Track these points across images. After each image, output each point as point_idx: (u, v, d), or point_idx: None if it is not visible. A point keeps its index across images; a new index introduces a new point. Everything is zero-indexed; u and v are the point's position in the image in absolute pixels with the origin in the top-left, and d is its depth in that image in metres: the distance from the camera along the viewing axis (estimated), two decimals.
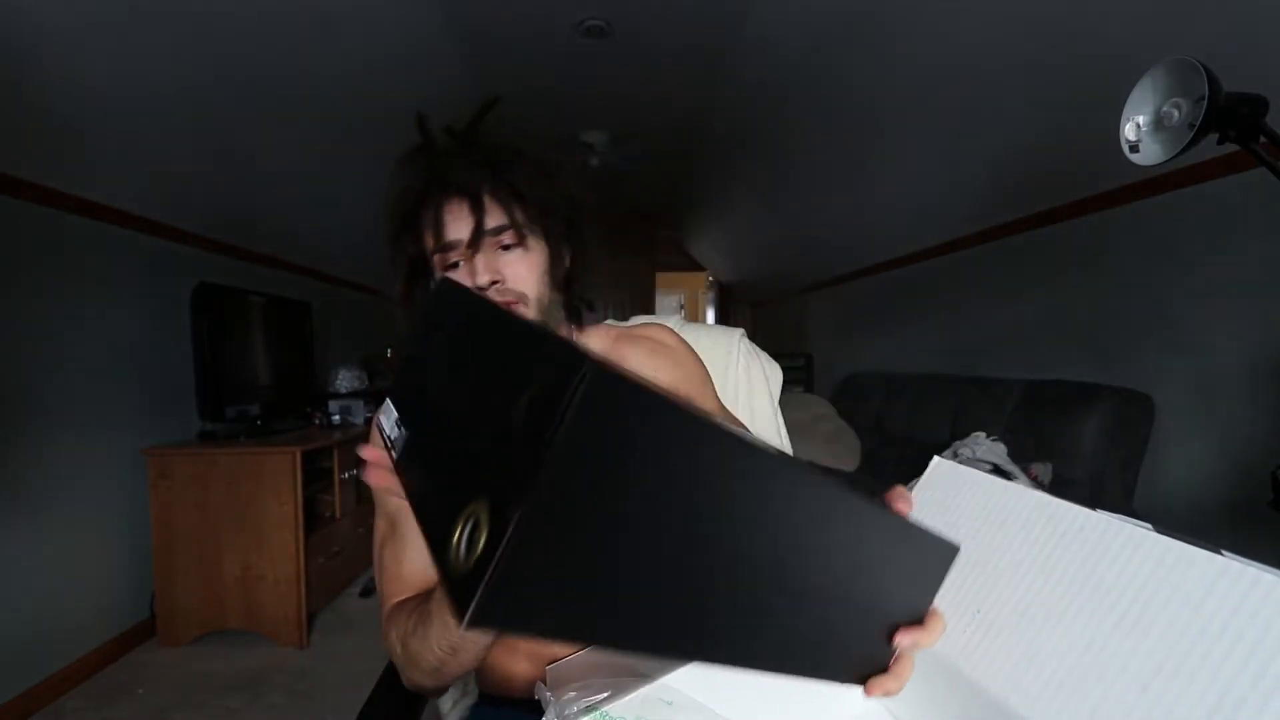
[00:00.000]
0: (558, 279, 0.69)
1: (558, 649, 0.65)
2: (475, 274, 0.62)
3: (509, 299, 0.63)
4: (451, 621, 0.48)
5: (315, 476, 2.43)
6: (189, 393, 2.32)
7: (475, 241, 0.62)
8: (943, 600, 0.41)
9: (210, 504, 2.17)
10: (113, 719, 1.78)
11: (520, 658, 0.68)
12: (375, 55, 2.30)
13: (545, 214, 0.66)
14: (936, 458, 0.52)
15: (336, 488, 2.57)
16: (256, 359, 2.65)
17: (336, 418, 3.01)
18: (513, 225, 0.64)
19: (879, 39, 2.12)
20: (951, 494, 0.48)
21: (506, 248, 0.64)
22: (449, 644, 0.52)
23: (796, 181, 3.57)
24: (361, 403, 3.16)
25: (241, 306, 2.56)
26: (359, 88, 2.44)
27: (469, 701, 0.76)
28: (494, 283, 0.63)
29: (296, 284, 3.34)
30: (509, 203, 0.64)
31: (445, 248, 0.64)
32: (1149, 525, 0.39)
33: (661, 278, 7.41)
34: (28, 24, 1.52)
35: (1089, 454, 1.83)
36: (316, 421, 2.92)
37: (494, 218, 0.63)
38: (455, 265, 0.65)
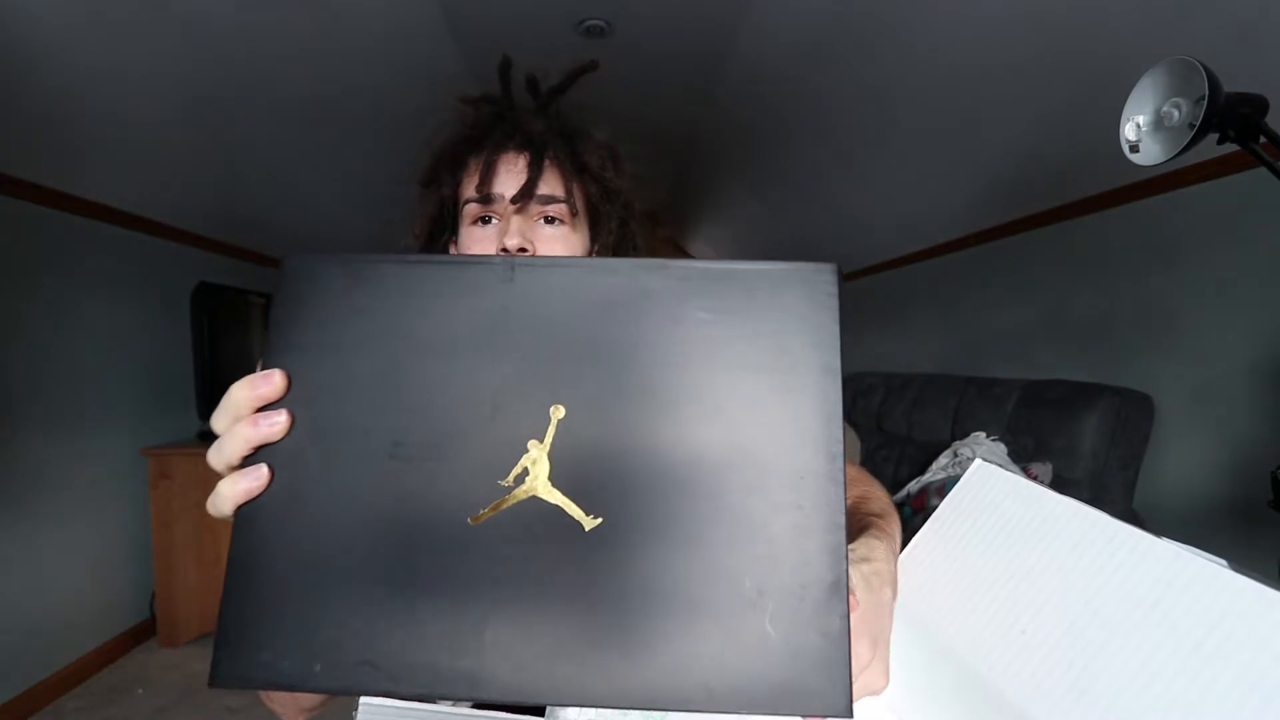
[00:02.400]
0: None
1: None
2: (506, 234, 0.55)
3: None
4: None
5: None
6: (189, 393, 2.32)
7: (521, 199, 0.56)
8: (984, 612, 0.36)
9: None
10: (112, 719, 1.78)
11: None
12: (375, 55, 2.30)
13: (603, 203, 0.61)
14: (979, 460, 0.47)
15: None
16: (256, 359, 2.64)
17: None
18: (566, 199, 0.57)
19: (879, 39, 2.12)
20: (993, 501, 0.43)
21: (549, 221, 0.58)
22: (280, 706, 0.46)
23: (796, 181, 3.56)
24: None
25: (241, 306, 2.56)
26: (358, 87, 2.44)
27: (467, 704, 0.76)
28: (522, 250, 0.55)
29: None
30: (570, 175, 0.58)
31: (487, 199, 0.57)
32: (1223, 561, 0.35)
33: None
34: (28, 24, 1.52)
35: (1089, 454, 1.83)
36: None
37: (549, 185, 0.57)
38: (487, 221, 0.58)
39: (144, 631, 2.22)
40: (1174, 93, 0.76)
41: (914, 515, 1.87)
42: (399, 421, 0.31)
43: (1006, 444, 1.97)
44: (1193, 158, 0.81)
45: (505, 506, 0.30)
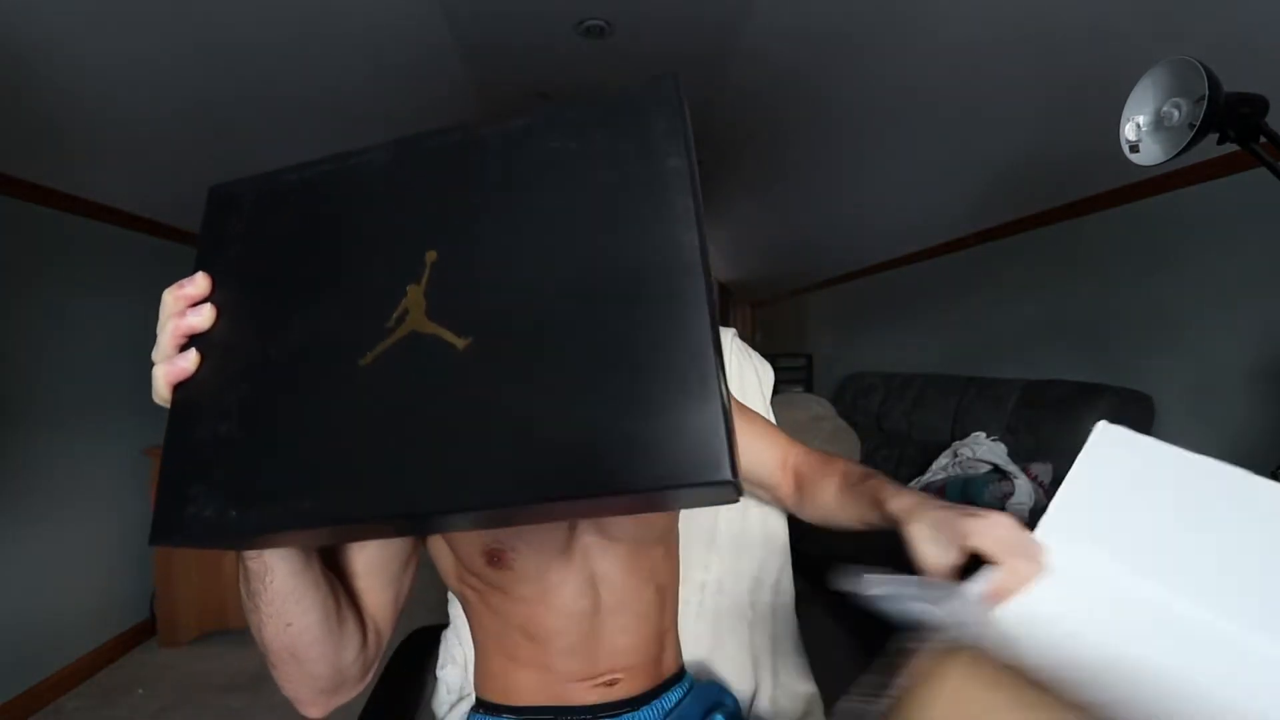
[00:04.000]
0: None
1: (554, 651, 0.65)
2: None
3: None
4: (242, 564, 0.45)
5: None
6: None
7: None
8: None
9: None
10: (113, 719, 1.78)
11: (525, 668, 0.67)
12: (374, 54, 2.30)
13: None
14: (1103, 423, 0.46)
15: None
16: None
17: None
18: None
19: (881, 40, 2.12)
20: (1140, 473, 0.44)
21: None
22: (248, 592, 0.47)
23: (796, 181, 3.56)
24: None
25: None
26: (358, 86, 2.44)
27: (465, 706, 0.76)
28: None
29: None
30: None
31: None
32: None
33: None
34: (28, 24, 1.52)
35: None
36: None
37: None
38: None
39: (144, 631, 2.22)
40: (1174, 93, 0.76)
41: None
42: (297, 292, 0.36)
43: (1006, 444, 1.97)
44: (1193, 158, 0.81)
45: (389, 343, 0.33)
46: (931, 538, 0.47)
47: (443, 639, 0.83)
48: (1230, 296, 1.66)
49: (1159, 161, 0.77)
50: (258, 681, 1.96)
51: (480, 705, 0.70)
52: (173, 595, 2.18)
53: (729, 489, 0.28)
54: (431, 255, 0.34)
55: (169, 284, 0.37)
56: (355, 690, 0.57)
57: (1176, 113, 0.75)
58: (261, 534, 0.33)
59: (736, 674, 0.82)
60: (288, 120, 2.43)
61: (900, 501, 0.53)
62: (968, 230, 2.69)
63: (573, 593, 0.64)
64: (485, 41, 2.41)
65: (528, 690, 0.67)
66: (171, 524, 0.34)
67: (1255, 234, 1.59)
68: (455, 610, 0.83)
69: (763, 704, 0.79)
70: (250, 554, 0.44)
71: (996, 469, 1.87)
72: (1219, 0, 1.38)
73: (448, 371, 0.32)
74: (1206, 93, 0.71)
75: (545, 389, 0.30)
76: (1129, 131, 0.81)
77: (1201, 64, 0.72)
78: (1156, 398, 1.83)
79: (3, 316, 1.75)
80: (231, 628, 2.20)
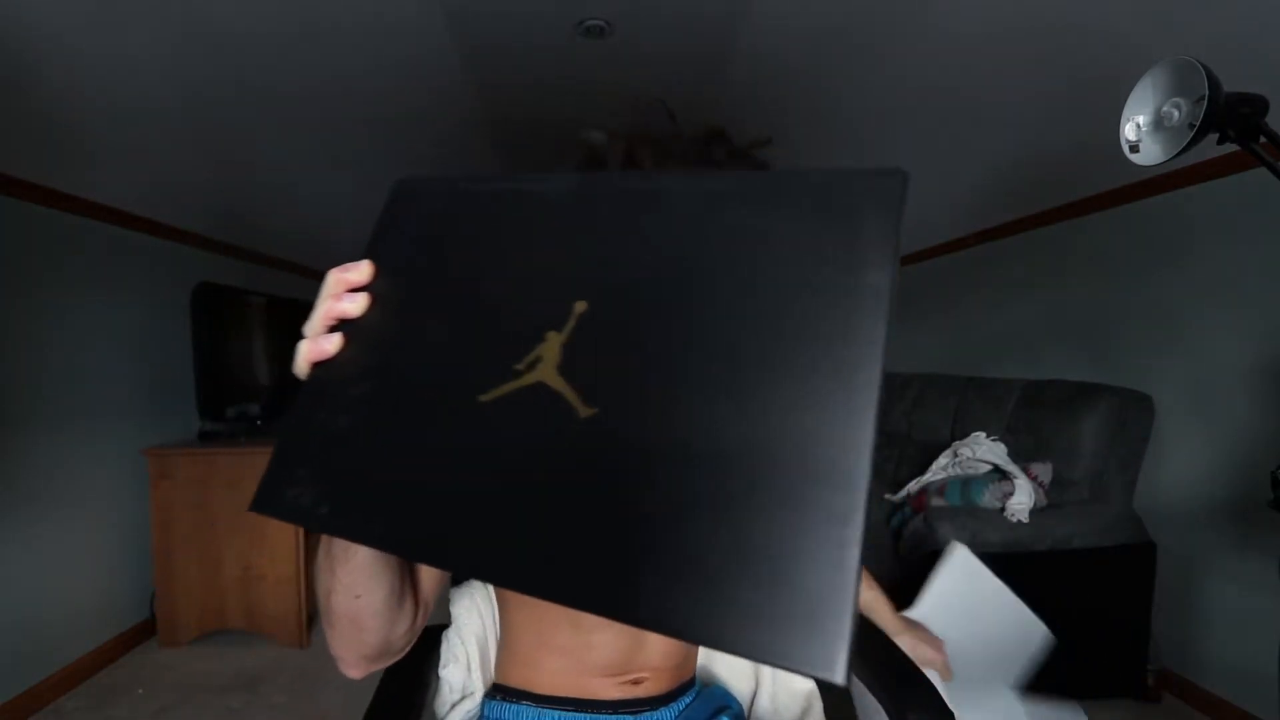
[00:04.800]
0: None
1: (595, 645, 0.65)
2: None
3: None
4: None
5: None
6: (189, 393, 2.32)
7: None
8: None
9: (210, 504, 2.17)
10: (113, 719, 1.78)
11: (558, 655, 0.67)
12: (374, 54, 2.30)
13: None
14: (959, 548, 0.73)
15: None
16: (256, 359, 2.65)
17: None
18: None
19: (879, 39, 2.12)
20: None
21: None
22: (328, 556, 0.47)
23: None
24: None
25: (241, 306, 2.56)
26: (358, 86, 2.44)
27: (469, 705, 0.76)
28: None
29: (296, 284, 3.34)
30: None
31: None
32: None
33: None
34: (28, 24, 1.52)
35: (1089, 454, 1.83)
36: None
37: None
38: None
39: (144, 631, 2.22)
40: (1174, 93, 0.76)
41: (914, 515, 1.87)
42: (446, 311, 0.35)
43: (1006, 444, 1.97)
44: (1193, 158, 0.81)
45: (514, 388, 0.31)
46: (911, 648, 0.82)
47: (444, 638, 0.84)
48: (1230, 296, 1.66)
49: (1159, 161, 0.77)
50: (258, 681, 1.96)
51: (497, 691, 0.70)
52: (173, 595, 2.18)
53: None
54: (581, 306, 0.32)
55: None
56: (394, 660, 0.59)
57: (1176, 113, 0.75)
58: (344, 536, 0.34)
59: (738, 673, 0.82)
60: (288, 120, 2.43)
61: (888, 624, 0.87)
62: (968, 230, 2.69)
63: None
64: (485, 41, 2.41)
65: (553, 678, 0.67)
66: (272, 498, 0.34)
67: (1255, 234, 1.59)
68: (457, 610, 0.84)
69: (764, 702, 0.80)
70: None
71: (996, 469, 1.87)
72: (1219, 0, 1.38)
73: (563, 439, 0.29)
74: (1206, 93, 0.71)
75: (660, 502, 0.26)
76: (1129, 131, 0.81)
77: (1201, 64, 0.72)
78: (1156, 397, 1.83)
79: (3, 316, 1.75)
80: (231, 628, 2.20)
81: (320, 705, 1.83)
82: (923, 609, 1.36)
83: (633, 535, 0.26)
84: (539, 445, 0.29)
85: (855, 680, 1.38)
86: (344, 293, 0.38)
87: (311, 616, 2.28)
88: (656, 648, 0.67)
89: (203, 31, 1.85)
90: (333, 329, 0.38)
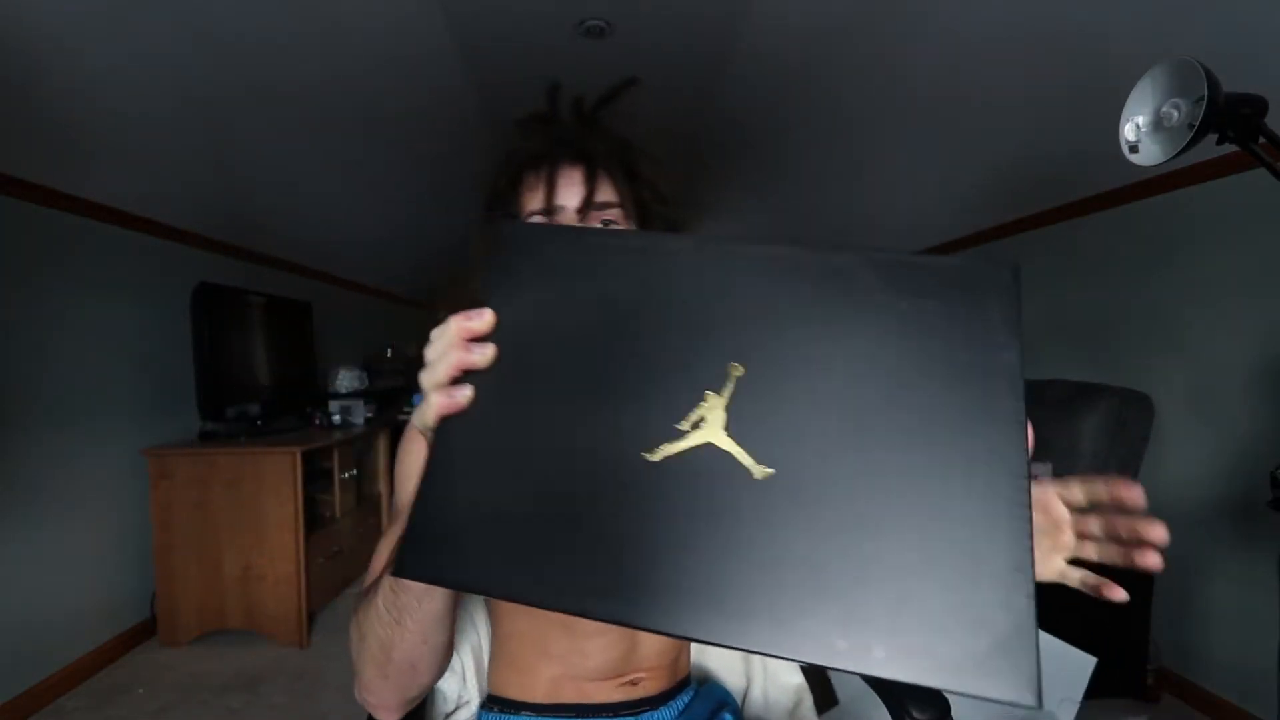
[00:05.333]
0: None
1: (590, 651, 0.65)
2: None
3: None
4: (394, 580, 0.45)
5: (315, 476, 2.43)
6: (189, 393, 2.32)
7: (584, 210, 0.61)
8: None
9: (210, 504, 2.17)
10: (113, 719, 1.78)
11: (554, 663, 0.66)
12: (374, 55, 2.30)
13: (652, 205, 0.66)
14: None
15: (336, 488, 2.57)
16: (256, 359, 2.65)
17: (336, 418, 3.00)
18: (622, 205, 0.63)
19: (879, 39, 2.12)
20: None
21: (606, 225, 0.63)
22: (395, 605, 0.47)
23: (796, 181, 3.56)
24: (361, 403, 3.16)
25: (241, 306, 2.56)
26: (358, 87, 2.44)
27: (463, 715, 0.75)
28: None
29: (296, 284, 3.34)
30: (623, 183, 0.63)
31: (549, 211, 0.62)
32: None
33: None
34: (28, 24, 1.52)
35: (1089, 453, 1.83)
36: (316, 421, 2.91)
37: (605, 193, 0.62)
38: None
39: (144, 631, 2.22)
40: (1173, 93, 0.76)
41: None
42: (591, 367, 0.35)
43: None
44: (1192, 158, 0.81)
45: (683, 448, 0.31)
46: None
47: None
48: (1230, 296, 1.66)
49: (1158, 162, 0.77)
50: (257, 681, 1.96)
51: (493, 703, 0.70)
52: (173, 595, 2.18)
53: (1030, 710, 0.26)
54: (738, 369, 0.33)
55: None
56: (419, 701, 0.59)
57: (1176, 113, 0.75)
58: (518, 600, 0.31)
59: (730, 669, 0.82)
60: (288, 120, 2.43)
61: None
62: (968, 230, 2.69)
63: None
64: (485, 41, 2.41)
65: (550, 686, 0.67)
66: (425, 563, 0.32)
67: (1255, 234, 1.59)
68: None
69: (755, 697, 0.80)
70: None
71: None
72: (1219, 0, 1.38)
73: (740, 498, 0.30)
74: (1206, 93, 0.71)
75: (849, 564, 0.28)
76: (1128, 132, 0.81)
77: (1201, 64, 0.72)
78: (1156, 397, 1.83)
79: (2, 316, 1.75)
80: (231, 628, 2.20)
81: (320, 705, 1.83)
82: None
83: (836, 584, 0.28)
84: (716, 504, 0.30)
85: (852, 682, 1.40)
86: (468, 342, 0.37)
87: (311, 616, 2.28)
88: (651, 647, 0.67)
89: (202, 32, 1.85)
90: (457, 380, 0.36)
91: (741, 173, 3.98)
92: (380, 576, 0.51)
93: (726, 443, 0.31)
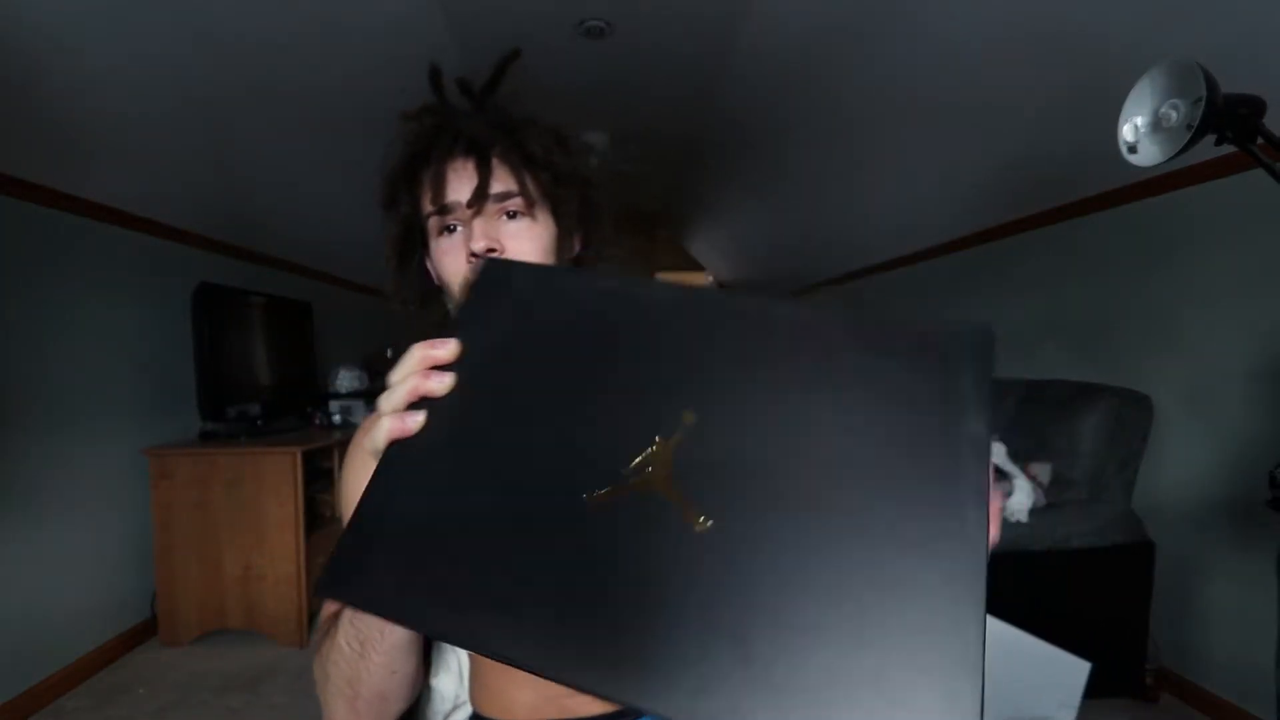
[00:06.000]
0: (563, 260, 0.61)
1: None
2: (472, 239, 0.57)
3: None
4: (353, 613, 0.43)
5: (315, 476, 2.43)
6: (189, 393, 2.32)
7: (476, 203, 0.57)
8: None
9: (211, 504, 2.17)
10: (113, 718, 1.78)
11: (521, 684, 0.65)
12: (374, 55, 2.30)
13: (558, 187, 0.61)
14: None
15: (336, 488, 2.57)
16: (257, 359, 2.65)
17: (337, 418, 3.00)
18: (521, 193, 0.58)
19: (879, 39, 2.12)
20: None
21: (511, 216, 0.59)
22: (356, 638, 0.46)
23: (796, 181, 3.56)
24: (362, 403, 3.16)
25: (241, 306, 2.56)
26: (358, 87, 2.44)
27: (460, 716, 0.74)
28: (490, 250, 0.56)
29: (296, 284, 3.34)
30: (519, 168, 0.59)
31: (443, 209, 0.58)
32: None
33: (661, 278, 7.40)
34: (28, 24, 1.52)
35: (1088, 454, 1.83)
36: (317, 421, 2.92)
37: (501, 182, 0.58)
38: (452, 230, 0.59)
39: (145, 631, 2.22)
40: (1172, 94, 0.76)
41: None
42: (543, 405, 0.34)
43: (1006, 444, 1.97)
44: (1191, 159, 0.81)
45: (622, 494, 0.30)
46: None
47: (435, 646, 0.82)
48: (1228, 297, 1.66)
49: (1157, 163, 0.77)
50: (257, 681, 1.96)
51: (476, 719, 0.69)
52: (173, 595, 2.18)
53: None
54: (689, 417, 0.32)
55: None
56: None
57: (1174, 114, 0.75)
58: (421, 630, 0.32)
59: None
60: (288, 120, 2.43)
61: None
62: (968, 230, 2.70)
63: None
64: (485, 42, 2.41)
65: (528, 705, 0.65)
66: (347, 583, 0.31)
67: (1253, 234, 1.59)
68: None
69: None
70: None
71: (996, 469, 1.88)
72: (1218, 1, 1.38)
73: (677, 550, 0.29)
74: (1204, 94, 0.71)
75: (785, 624, 0.26)
76: (1127, 133, 0.81)
77: (1200, 65, 0.72)
78: (1155, 397, 1.83)
79: (3, 317, 1.75)
80: (232, 627, 2.20)
81: (320, 705, 1.83)
82: None
83: (763, 654, 0.26)
84: (652, 554, 0.29)
85: None
86: (429, 370, 0.37)
87: (311, 616, 2.28)
88: None
89: (202, 32, 1.86)
90: (414, 405, 0.36)
91: (741, 173, 3.98)
92: (338, 611, 0.50)
93: (671, 493, 0.30)
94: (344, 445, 2.66)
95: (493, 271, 0.40)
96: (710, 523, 0.29)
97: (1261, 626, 1.53)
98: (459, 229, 0.59)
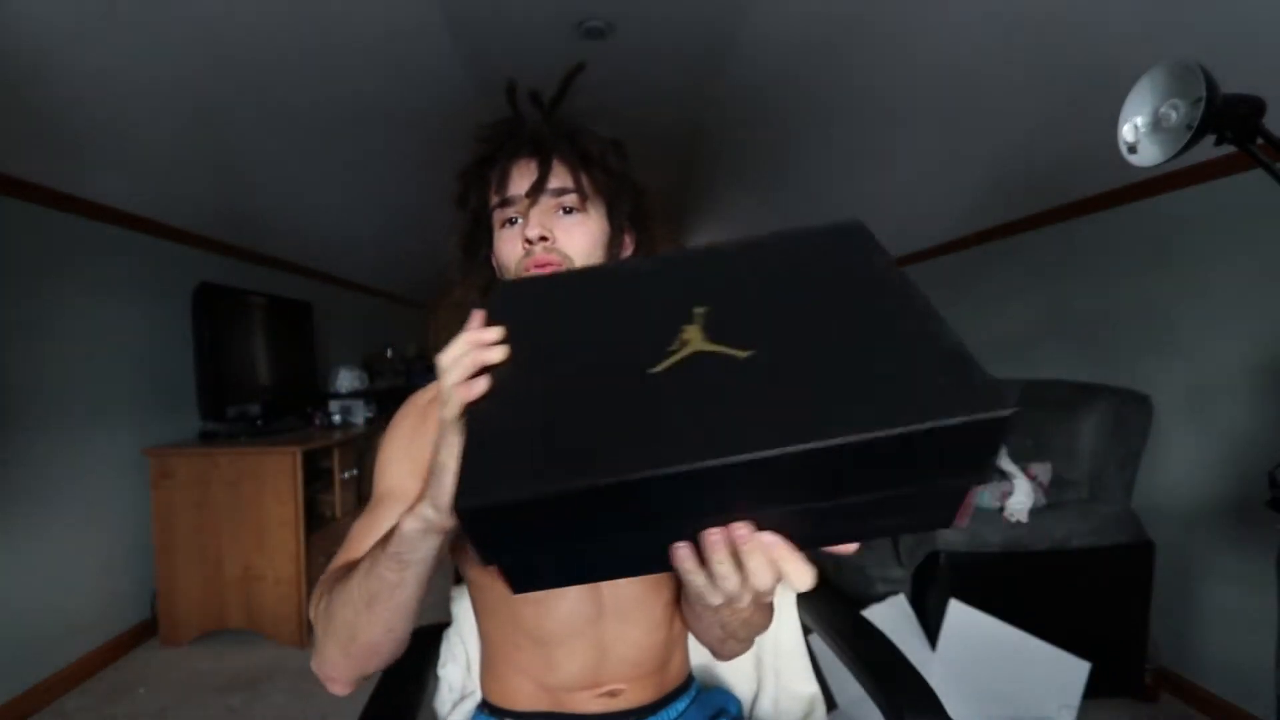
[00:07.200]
0: (612, 256, 0.67)
1: (556, 661, 0.65)
2: (527, 226, 0.62)
3: (553, 259, 0.62)
4: (410, 517, 0.46)
5: (315, 476, 2.43)
6: (190, 393, 2.32)
7: (534, 194, 0.62)
8: None
9: (211, 504, 2.17)
10: (114, 718, 1.78)
11: (524, 675, 0.67)
12: (375, 56, 2.30)
13: (612, 189, 0.67)
14: (955, 602, 0.71)
15: (336, 488, 2.57)
16: (257, 359, 2.65)
17: (337, 418, 3.01)
18: (576, 189, 0.64)
19: (879, 39, 2.12)
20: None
21: (567, 211, 0.64)
22: (367, 591, 0.50)
23: (796, 181, 3.56)
24: (362, 403, 3.16)
25: (241, 306, 2.56)
26: (358, 87, 2.44)
27: (469, 705, 0.76)
28: (543, 238, 0.62)
29: (296, 284, 3.34)
30: (577, 168, 0.64)
31: (505, 202, 0.64)
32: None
33: None
34: (29, 26, 1.52)
35: (1088, 454, 1.83)
36: (317, 421, 2.92)
37: (559, 179, 0.63)
38: (513, 223, 0.65)
39: (145, 631, 2.22)
40: (1172, 94, 0.76)
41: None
42: (583, 340, 0.42)
43: (1006, 444, 1.97)
44: (1190, 159, 0.81)
45: (676, 359, 0.38)
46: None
47: (444, 637, 0.84)
48: (1228, 297, 1.66)
49: (1157, 163, 0.77)
50: (257, 681, 1.97)
51: (484, 706, 0.71)
52: (174, 594, 2.18)
53: (1005, 425, 0.32)
54: (700, 309, 0.41)
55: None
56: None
57: (1174, 114, 0.75)
58: (575, 487, 0.33)
59: (740, 676, 0.82)
60: (287, 121, 2.43)
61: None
62: (967, 230, 2.70)
63: (576, 595, 0.65)
64: (485, 43, 2.42)
65: (530, 696, 0.67)
66: (484, 484, 0.35)
67: (1253, 235, 1.59)
68: (458, 609, 0.84)
69: (765, 706, 0.79)
70: (392, 567, 0.48)
71: (996, 469, 1.88)
72: (1219, 0, 1.38)
73: (735, 375, 0.36)
74: (1204, 94, 0.71)
75: (833, 367, 0.35)
76: (1127, 133, 0.81)
77: (1200, 65, 0.72)
78: (1155, 397, 1.83)
79: (3, 316, 1.75)
80: (232, 627, 2.20)
81: (320, 705, 1.83)
82: (936, 665, 1.47)
83: (824, 389, 0.34)
84: (718, 383, 0.36)
85: (850, 688, 1.41)
86: (483, 347, 0.42)
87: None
88: (626, 656, 0.66)
89: (203, 32, 1.86)
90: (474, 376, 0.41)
91: (742, 172, 3.98)
92: (358, 561, 0.53)
93: (710, 346, 0.38)
94: (344, 445, 2.67)
95: (505, 289, 0.48)
96: (751, 350, 0.37)
97: (1261, 626, 1.53)
98: (519, 221, 0.64)
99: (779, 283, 0.43)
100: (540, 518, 0.35)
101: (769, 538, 0.35)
